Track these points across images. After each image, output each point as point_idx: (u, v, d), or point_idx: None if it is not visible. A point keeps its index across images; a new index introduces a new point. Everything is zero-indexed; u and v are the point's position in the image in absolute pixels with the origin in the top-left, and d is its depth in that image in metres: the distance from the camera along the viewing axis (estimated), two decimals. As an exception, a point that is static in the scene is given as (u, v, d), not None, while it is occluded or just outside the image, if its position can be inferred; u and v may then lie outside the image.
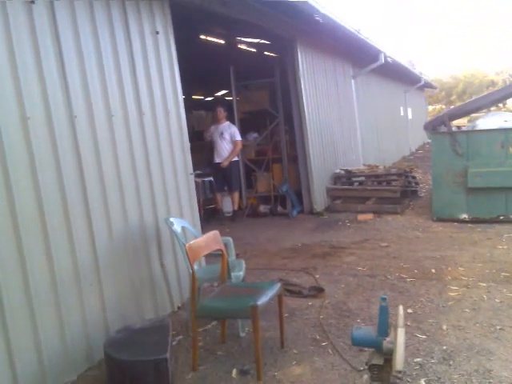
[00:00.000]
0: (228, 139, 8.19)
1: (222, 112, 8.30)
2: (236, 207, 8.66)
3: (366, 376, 2.98)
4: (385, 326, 2.65)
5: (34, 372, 3.00)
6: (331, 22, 7.70)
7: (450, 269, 5.05)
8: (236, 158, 8.49)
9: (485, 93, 10.59)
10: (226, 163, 8.17)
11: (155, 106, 4.35)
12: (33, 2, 3.17)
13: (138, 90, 4.14)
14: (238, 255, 4.29)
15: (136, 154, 4.04)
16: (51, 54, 3.29)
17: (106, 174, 3.68)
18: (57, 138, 3.25)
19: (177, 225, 4.02)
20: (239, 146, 8.28)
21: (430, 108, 45.97)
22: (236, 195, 8.57)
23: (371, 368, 2.65)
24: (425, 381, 2.98)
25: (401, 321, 2.57)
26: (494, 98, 7.62)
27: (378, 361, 2.64)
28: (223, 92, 14.03)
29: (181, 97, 4.75)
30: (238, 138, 8.23)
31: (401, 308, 2.66)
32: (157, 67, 4.45)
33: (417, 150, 19.67)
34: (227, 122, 8.35)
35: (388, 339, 2.61)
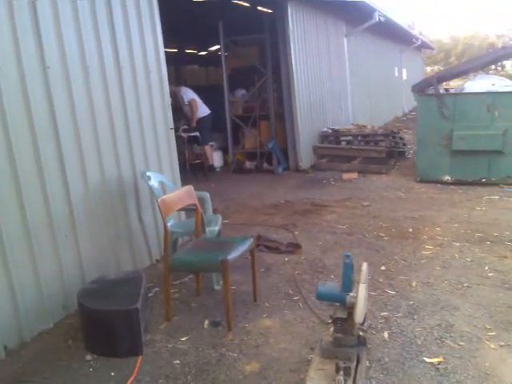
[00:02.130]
0: (185, 101, 8.47)
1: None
2: (211, 161, 8.93)
3: (331, 328, 3.08)
4: (348, 282, 2.71)
5: (8, 319, 3.09)
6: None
7: (426, 229, 5.13)
8: (204, 114, 8.60)
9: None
10: (193, 124, 8.44)
11: (134, 59, 4.27)
12: None
13: (116, 43, 4.05)
14: (215, 210, 4.33)
15: (113, 107, 4.00)
16: (24, 1, 3.21)
17: (81, 124, 3.65)
18: (29, 90, 3.20)
19: (154, 179, 4.04)
20: (194, 103, 8.43)
21: (429, 69, 45.49)
22: (208, 149, 8.80)
23: (335, 321, 2.74)
24: (388, 333, 3.09)
25: (363, 277, 2.63)
26: (483, 62, 7.54)
27: (341, 314, 2.72)
28: (216, 47, 13.75)
29: (162, 52, 4.67)
30: (187, 98, 8.45)
31: (364, 265, 2.71)
32: (137, 19, 4.33)
33: (410, 112, 19.55)
34: (178, 88, 8.58)
35: (351, 294, 2.69)
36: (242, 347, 3.03)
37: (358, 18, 11.22)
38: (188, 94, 8.45)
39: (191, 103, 8.39)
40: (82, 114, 3.66)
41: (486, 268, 4.03)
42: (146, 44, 4.44)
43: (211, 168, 8.85)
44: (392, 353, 2.86)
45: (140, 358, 2.96)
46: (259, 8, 9.60)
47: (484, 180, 6.86)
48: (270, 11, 8.97)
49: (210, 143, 8.98)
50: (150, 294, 3.76)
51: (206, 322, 3.34)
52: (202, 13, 9.12)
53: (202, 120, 8.48)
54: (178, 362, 2.91)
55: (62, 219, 3.48)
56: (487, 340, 2.94)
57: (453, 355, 2.80)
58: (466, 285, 3.73)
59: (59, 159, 3.47)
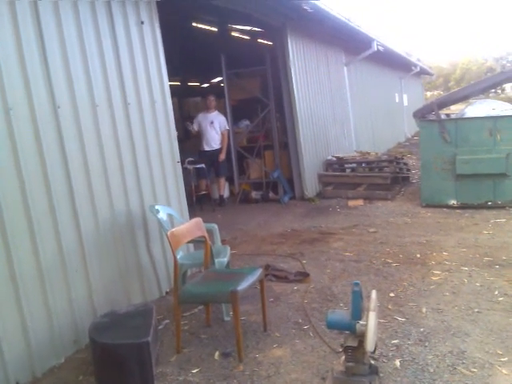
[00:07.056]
0: (217, 128, 8.43)
1: (213, 101, 8.51)
2: (222, 192, 8.87)
3: (342, 357, 3.07)
4: (358, 310, 2.72)
5: (20, 355, 3.10)
6: (320, 11, 7.70)
7: (434, 254, 5.13)
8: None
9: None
10: (223, 156, 8.45)
11: (141, 95, 4.39)
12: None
13: (122, 81, 4.18)
14: (224, 241, 4.37)
15: (121, 143, 4.09)
16: (33, 44, 3.33)
17: (91, 162, 3.75)
18: (40, 128, 3.30)
19: (162, 212, 4.10)
20: (227, 134, 8.56)
21: (429, 94, 45.97)
22: (223, 181, 8.80)
23: (346, 349, 2.74)
24: (400, 361, 3.07)
25: (372, 305, 2.64)
26: (483, 87, 7.65)
27: (352, 343, 2.72)
28: (218, 79, 14.00)
29: (167, 86, 4.79)
30: (228, 127, 8.51)
31: (374, 292, 2.73)
32: (142, 58, 4.47)
33: (413, 137, 19.69)
34: (216, 111, 8.55)
35: (361, 322, 2.69)
36: (253, 378, 3.02)
37: (357, 47, 11.44)
38: (224, 123, 8.46)
39: (224, 134, 8.43)
40: (91, 151, 3.76)
41: (496, 293, 4.01)
42: (152, 80, 4.56)
43: (221, 199, 8.83)
44: (404, 381, 2.85)
45: (152, 391, 2.96)
46: (259, 40, 9.85)
47: (490, 203, 6.88)
48: (270, 43, 9.19)
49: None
50: (160, 327, 3.77)
51: (217, 353, 3.34)
52: (205, 46, 9.37)
53: (214, 153, 8.51)
54: (190, 395, 2.91)
55: (72, 255, 3.53)
56: (499, 366, 2.92)
57: (466, 382, 2.79)
58: (476, 310, 3.72)
59: (70, 196, 3.55)
